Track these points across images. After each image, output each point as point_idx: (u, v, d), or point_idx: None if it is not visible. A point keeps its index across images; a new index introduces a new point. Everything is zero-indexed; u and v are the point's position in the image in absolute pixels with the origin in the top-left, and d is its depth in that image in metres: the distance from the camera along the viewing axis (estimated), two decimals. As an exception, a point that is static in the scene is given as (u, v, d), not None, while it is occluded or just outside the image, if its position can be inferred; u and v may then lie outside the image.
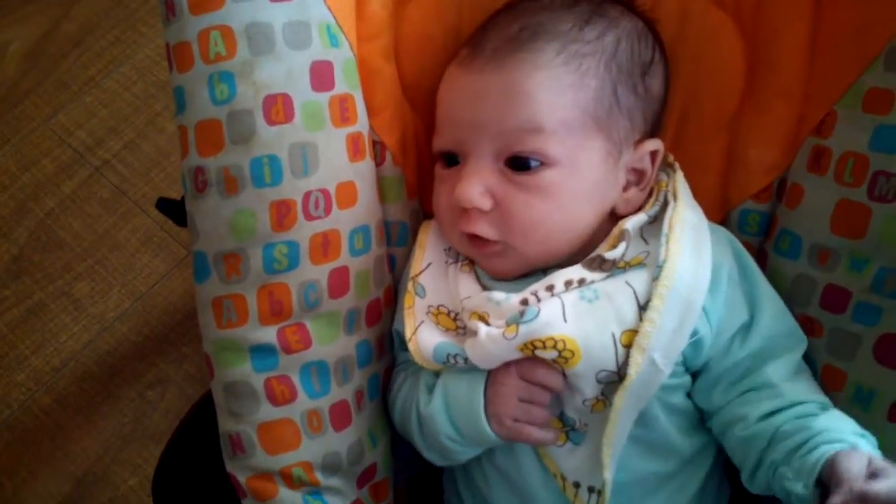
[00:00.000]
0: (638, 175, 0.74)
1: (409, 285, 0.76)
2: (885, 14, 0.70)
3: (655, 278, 0.66)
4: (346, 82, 0.73)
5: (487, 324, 0.68)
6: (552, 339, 0.64)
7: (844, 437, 0.63)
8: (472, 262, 0.76)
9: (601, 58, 0.70)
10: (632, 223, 0.70)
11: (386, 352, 0.80)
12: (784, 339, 0.72)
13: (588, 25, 0.71)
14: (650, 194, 0.75)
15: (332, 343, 0.73)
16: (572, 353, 0.64)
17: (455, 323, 0.73)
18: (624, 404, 0.65)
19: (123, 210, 1.37)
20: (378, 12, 0.78)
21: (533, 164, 0.68)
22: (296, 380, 0.71)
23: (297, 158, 0.69)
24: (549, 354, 0.65)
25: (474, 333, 0.68)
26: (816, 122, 0.76)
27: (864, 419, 0.70)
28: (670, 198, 0.73)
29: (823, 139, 0.74)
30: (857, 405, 0.71)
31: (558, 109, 0.68)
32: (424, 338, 0.71)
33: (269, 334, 0.70)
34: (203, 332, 0.72)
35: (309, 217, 0.70)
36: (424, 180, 0.83)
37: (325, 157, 0.71)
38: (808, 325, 0.75)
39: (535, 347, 0.65)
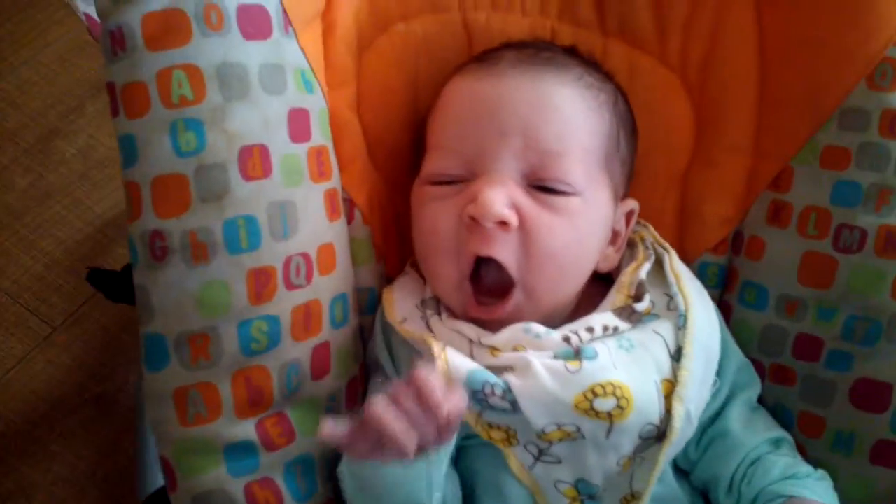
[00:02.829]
0: (614, 234, 0.73)
1: (396, 327, 0.67)
2: (836, 77, 0.74)
3: (680, 327, 0.65)
4: (322, 133, 0.66)
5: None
6: (612, 384, 0.60)
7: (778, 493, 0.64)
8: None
9: (610, 97, 0.70)
10: (643, 274, 0.68)
11: None
12: (743, 375, 0.73)
13: (594, 70, 0.71)
14: (630, 247, 0.75)
15: (315, 434, 0.63)
16: (627, 402, 0.60)
17: (474, 360, 0.64)
18: (664, 461, 0.62)
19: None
20: (343, 58, 0.71)
21: (560, 188, 0.65)
22: (280, 482, 0.61)
23: (276, 219, 0.60)
24: (608, 404, 0.59)
25: (511, 369, 0.60)
26: (771, 176, 0.79)
27: (847, 464, 0.73)
28: (660, 249, 0.73)
29: (782, 193, 0.78)
30: (839, 450, 0.73)
31: (583, 134, 0.66)
32: (456, 359, 0.61)
33: (247, 429, 0.59)
34: (158, 432, 0.60)
35: (290, 286, 0.61)
36: (389, 242, 0.76)
37: (305, 217, 0.62)
38: (781, 374, 0.76)
39: (596, 395, 0.59)
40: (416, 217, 0.69)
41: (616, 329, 0.65)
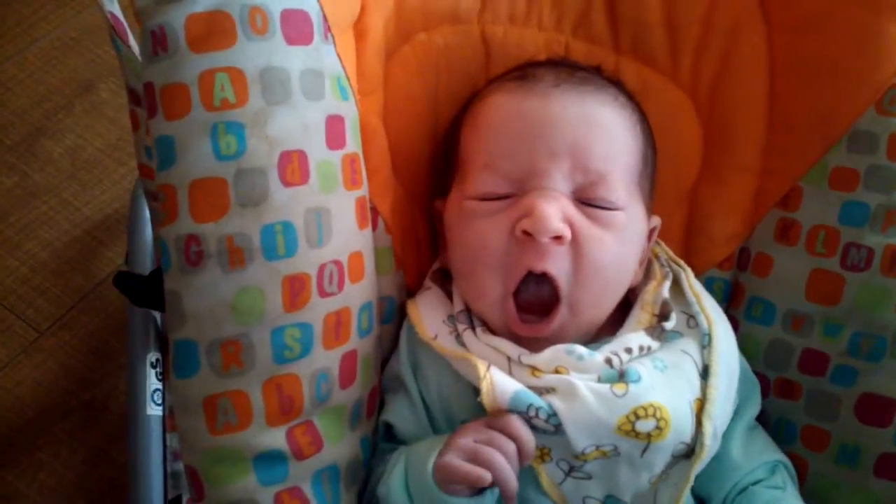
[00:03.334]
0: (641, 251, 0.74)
1: (433, 344, 0.67)
2: (846, 102, 0.77)
3: (705, 346, 0.67)
4: (354, 141, 0.66)
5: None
6: (652, 406, 0.61)
7: None
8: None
9: (639, 117, 0.72)
10: (665, 292, 0.70)
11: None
12: (747, 387, 0.74)
13: (621, 89, 0.73)
14: (648, 265, 0.76)
15: (340, 442, 0.63)
16: (666, 423, 0.61)
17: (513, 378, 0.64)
18: (694, 477, 0.63)
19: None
20: (374, 66, 0.71)
21: (606, 204, 0.66)
22: (308, 491, 0.60)
23: (312, 225, 0.59)
24: (649, 425, 0.60)
25: (553, 391, 0.61)
26: (779, 195, 0.81)
27: (852, 477, 0.75)
28: (675, 266, 0.74)
29: (791, 212, 0.80)
30: (844, 463, 0.75)
31: (624, 152, 0.68)
32: (501, 380, 0.61)
33: (277, 438, 0.58)
34: (186, 440, 0.58)
35: (323, 294, 0.60)
36: (408, 252, 0.76)
37: (338, 225, 0.62)
38: (787, 388, 0.78)
39: (638, 417, 0.60)
40: (460, 232, 0.69)
41: (650, 349, 0.66)
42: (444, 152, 0.77)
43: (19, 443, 1.02)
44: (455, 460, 0.58)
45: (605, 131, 0.67)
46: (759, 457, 0.71)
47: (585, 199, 0.66)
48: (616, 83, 0.75)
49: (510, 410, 0.60)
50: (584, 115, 0.67)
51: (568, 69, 0.72)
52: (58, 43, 1.37)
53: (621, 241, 0.66)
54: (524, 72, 0.72)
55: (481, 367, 0.62)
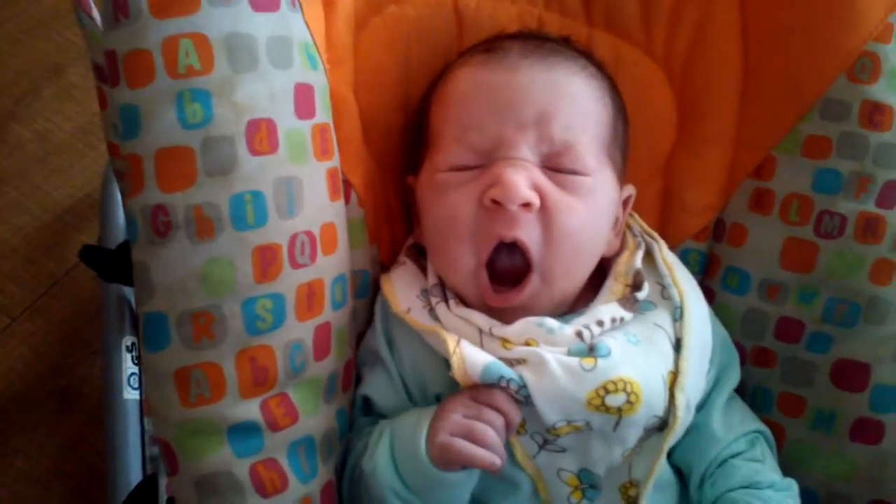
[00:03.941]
0: (614, 220, 0.74)
1: (406, 318, 0.66)
2: (818, 70, 0.77)
3: (677, 319, 0.67)
4: (324, 111, 0.65)
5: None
6: (623, 380, 0.60)
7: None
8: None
9: (609, 87, 0.71)
10: (638, 262, 0.69)
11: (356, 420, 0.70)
12: (726, 355, 0.74)
13: (591, 60, 0.72)
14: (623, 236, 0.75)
15: (315, 414, 0.62)
16: (637, 397, 0.61)
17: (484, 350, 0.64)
18: (667, 450, 0.63)
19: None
20: (343, 36, 0.70)
21: (573, 171, 0.66)
22: (284, 462, 0.59)
23: (282, 195, 0.58)
24: (619, 399, 0.60)
25: (524, 362, 0.61)
26: (753, 165, 0.81)
27: (828, 441, 0.75)
28: (647, 238, 0.74)
29: (765, 181, 0.80)
30: (820, 428, 0.76)
31: (592, 121, 0.68)
32: (471, 353, 0.61)
33: (251, 409, 0.58)
34: (159, 414, 0.57)
35: (295, 264, 0.59)
36: (381, 225, 0.75)
37: (310, 195, 0.61)
38: (762, 356, 0.79)
39: (608, 391, 0.60)
40: (431, 205, 0.68)
41: (622, 320, 0.66)
42: (415, 127, 0.76)
43: (-7, 430, 1.00)
44: (460, 442, 0.58)
45: (572, 101, 0.67)
46: (738, 427, 0.72)
47: (553, 167, 0.66)
48: (585, 54, 0.75)
49: (482, 383, 0.60)
50: (551, 85, 0.66)
51: (537, 41, 0.71)
52: (24, 26, 1.35)
53: (591, 207, 0.66)
54: (491, 44, 0.71)
55: (451, 341, 0.62)
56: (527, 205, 0.63)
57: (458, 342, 0.62)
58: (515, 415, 0.60)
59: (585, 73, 0.70)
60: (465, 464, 0.59)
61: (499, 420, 0.60)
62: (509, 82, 0.66)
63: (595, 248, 0.69)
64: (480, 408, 0.60)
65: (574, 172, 0.66)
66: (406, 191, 0.77)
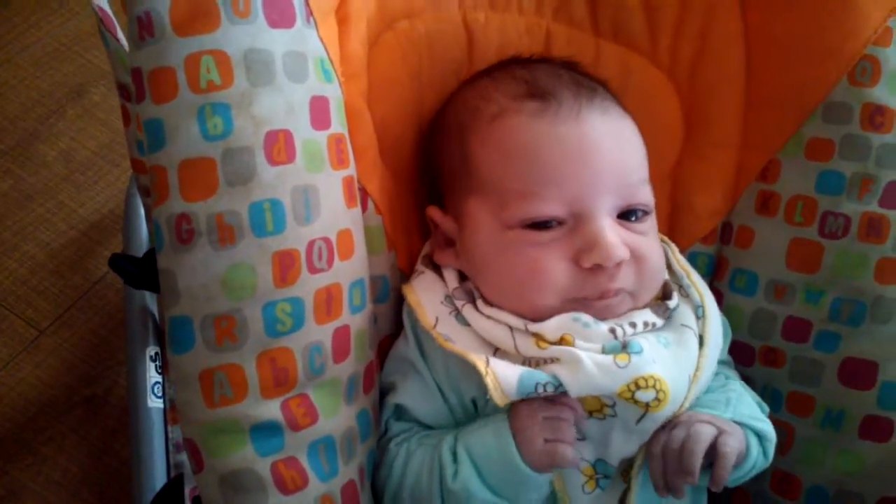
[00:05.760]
0: None
1: (434, 335, 0.68)
2: (819, 74, 0.79)
3: (699, 317, 0.70)
4: (340, 122, 0.67)
5: (572, 346, 0.64)
6: (653, 377, 0.62)
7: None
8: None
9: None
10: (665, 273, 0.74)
11: (381, 422, 0.71)
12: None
13: (607, 90, 0.75)
14: None
15: (335, 415, 0.64)
16: (665, 395, 0.63)
17: (519, 354, 0.66)
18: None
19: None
20: (357, 51, 0.73)
21: (640, 214, 0.69)
22: (304, 461, 0.61)
23: (299, 203, 0.61)
24: (648, 395, 0.62)
25: (557, 360, 0.63)
26: (758, 169, 0.83)
27: (837, 439, 0.77)
28: (662, 244, 0.77)
29: (770, 184, 0.82)
30: (829, 427, 0.77)
31: (644, 159, 0.71)
32: (503, 370, 0.63)
33: (272, 409, 0.60)
34: (185, 414, 0.60)
35: (312, 270, 0.62)
36: (398, 233, 0.77)
37: (326, 202, 0.63)
38: (771, 356, 0.80)
39: (639, 387, 0.62)
40: (501, 259, 0.68)
41: (654, 325, 0.68)
42: (437, 157, 0.77)
43: (24, 439, 1.03)
44: (560, 447, 0.62)
45: (630, 145, 0.70)
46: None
47: (626, 212, 0.69)
48: (603, 84, 0.76)
49: (520, 395, 0.62)
50: (614, 132, 0.69)
51: (572, 79, 0.72)
52: (49, 49, 1.39)
53: (656, 237, 0.72)
54: (535, 87, 0.70)
55: (479, 363, 0.63)
56: (621, 262, 0.66)
57: (487, 362, 0.64)
58: (577, 405, 0.64)
59: (621, 109, 0.72)
60: (561, 465, 0.62)
61: (571, 415, 0.63)
62: (577, 134, 0.67)
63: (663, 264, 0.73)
64: (555, 407, 0.63)
65: (645, 213, 0.70)
66: (427, 222, 0.77)
